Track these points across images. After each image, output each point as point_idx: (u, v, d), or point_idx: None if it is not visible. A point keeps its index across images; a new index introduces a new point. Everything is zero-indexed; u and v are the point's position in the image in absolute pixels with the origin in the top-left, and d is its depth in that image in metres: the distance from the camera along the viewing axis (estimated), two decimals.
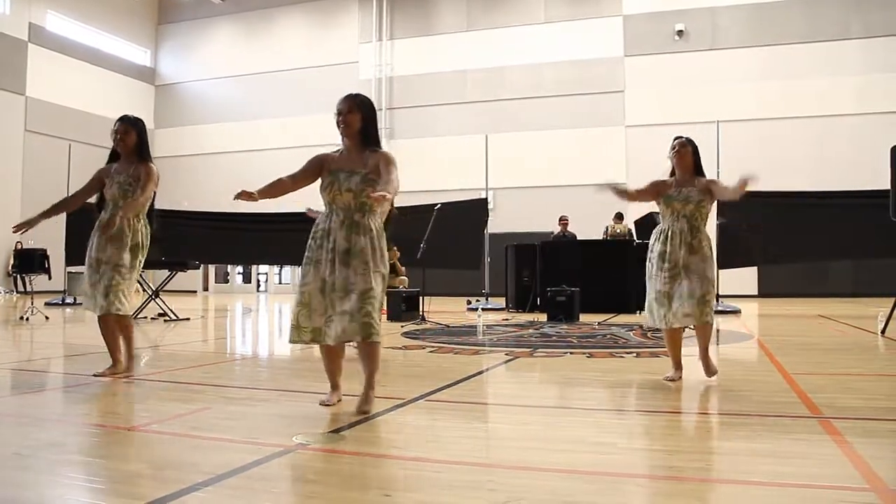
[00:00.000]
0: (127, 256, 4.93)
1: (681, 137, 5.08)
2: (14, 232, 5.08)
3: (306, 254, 3.91)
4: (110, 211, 4.95)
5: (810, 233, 12.63)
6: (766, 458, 2.88)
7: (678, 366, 4.98)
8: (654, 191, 4.99)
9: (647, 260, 5.01)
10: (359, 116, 3.95)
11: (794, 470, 2.69)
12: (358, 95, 4.05)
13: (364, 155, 3.91)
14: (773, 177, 18.30)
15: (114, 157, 5.13)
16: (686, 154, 4.95)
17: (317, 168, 3.99)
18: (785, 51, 21.04)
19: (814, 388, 4.50)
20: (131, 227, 4.95)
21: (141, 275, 11.58)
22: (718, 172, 13.52)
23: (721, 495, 2.46)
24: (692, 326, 4.98)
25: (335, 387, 4.01)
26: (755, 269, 19.13)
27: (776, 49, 21.13)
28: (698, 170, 4.99)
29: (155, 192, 5.15)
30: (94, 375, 4.93)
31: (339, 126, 3.97)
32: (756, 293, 19.99)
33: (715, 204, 10.91)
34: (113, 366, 5.04)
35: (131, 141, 5.03)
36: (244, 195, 3.74)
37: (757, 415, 3.77)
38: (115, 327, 5.04)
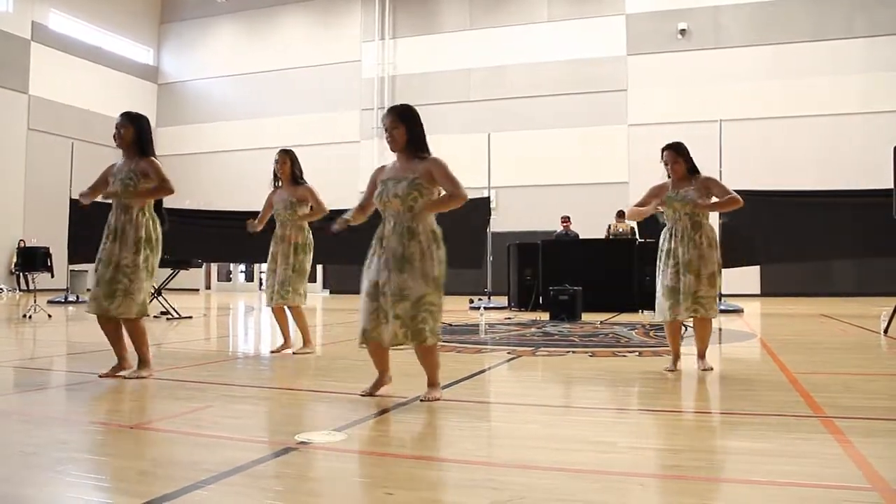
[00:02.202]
0: (132, 254, 4.78)
1: (669, 149, 5.22)
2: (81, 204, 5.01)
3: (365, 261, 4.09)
4: (122, 214, 4.86)
5: (813, 232, 12.60)
6: (769, 457, 2.87)
7: (677, 357, 5.28)
8: (655, 196, 5.23)
9: (658, 259, 5.26)
10: (403, 129, 4.05)
11: (796, 469, 2.68)
12: (398, 107, 4.15)
13: (413, 163, 4.04)
14: (776, 176, 18.34)
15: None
16: (678, 168, 5.16)
17: (375, 184, 4.14)
18: (788, 50, 21.01)
19: (816, 387, 4.49)
20: (134, 222, 4.83)
21: None
22: (721, 172, 13.50)
23: (723, 494, 2.45)
24: (689, 324, 5.25)
25: (380, 378, 4.16)
26: (758, 268, 19.11)
27: (779, 48, 21.10)
28: (692, 169, 5.20)
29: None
30: (100, 376, 4.87)
31: (387, 141, 4.10)
32: (759, 292, 19.97)
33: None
34: (118, 365, 4.95)
35: (129, 136, 4.93)
36: (343, 223, 4.15)
37: (759, 414, 3.76)
38: (116, 326, 4.94)
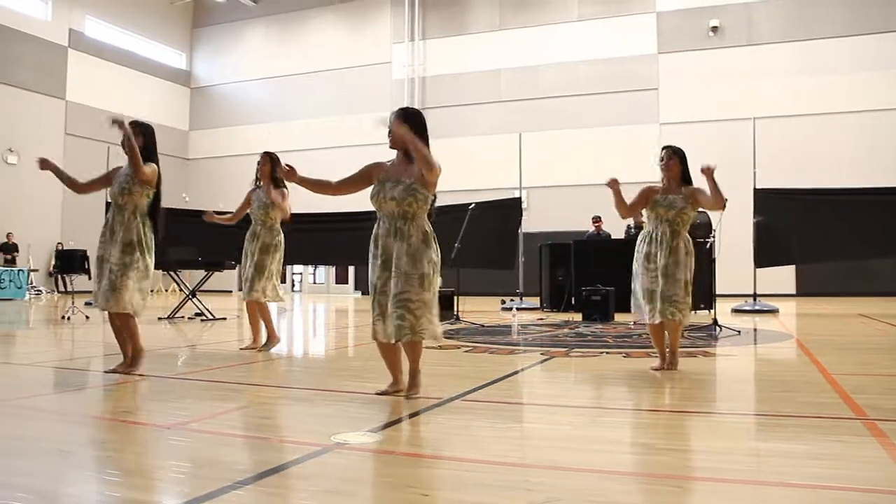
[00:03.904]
0: (119, 253, 4.98)
1: (668, 148, 5.43)
2: (40, 165, 5.19)
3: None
4: (116, 215, 5.11)
5: (849, 230, 12.37)
6: (808, 459, 2.83)
7: (663, 357, 5.38)
8: (644, 198, 5.40)
9: (634, 259, 5.42)
10: (405, 129, 4.09)
11: (837, 472, 2.64)
12: (407, 109, 4.25)
13: (411, 166, 4.09)
14: (812, 174, 18.09)
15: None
16: (674, 166, 5.32)
17: (366, 176, 4.23)
18: (823, 45, 20.66)
19: (856, 388, 4.41)
20: (125, 223, 5.04)
21: (178, 275, 11.77)
22: (755, 171, 13.36)
23: (762, 497, 2.42)
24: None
25: (395, 380, 4.27)
26: (793, 267, 18.84)
27: (814, 44, 20.76)
28: (686, 178, 5.34)
29: (158, 193, 5.21)
30: (106, 372, 5.13)
31: (388, 138, 4.18)
32: (794, 292, 19.69)
33: (752, 202, 10.83)
34: (123, 362, 5.17)
35: (139, 143, 5.11)
36: (288, 171, 4.08)
37: (797, 415, 3.71)
38: (120, 324, 5.16)
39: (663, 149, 5.45)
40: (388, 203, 4.07)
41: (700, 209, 5.55)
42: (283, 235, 6.74)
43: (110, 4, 25.39)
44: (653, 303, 5.25)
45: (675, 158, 5.32)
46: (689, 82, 21.76)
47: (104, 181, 5.33)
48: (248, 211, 6.83)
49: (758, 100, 20.18)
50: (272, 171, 6.67)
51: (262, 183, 6.74)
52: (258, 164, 6.78)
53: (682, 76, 21.87)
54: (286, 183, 6.62)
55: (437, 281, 4.13)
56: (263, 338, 6.81)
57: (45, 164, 5.18)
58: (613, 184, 5.26)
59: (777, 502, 2.36)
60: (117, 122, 4.85)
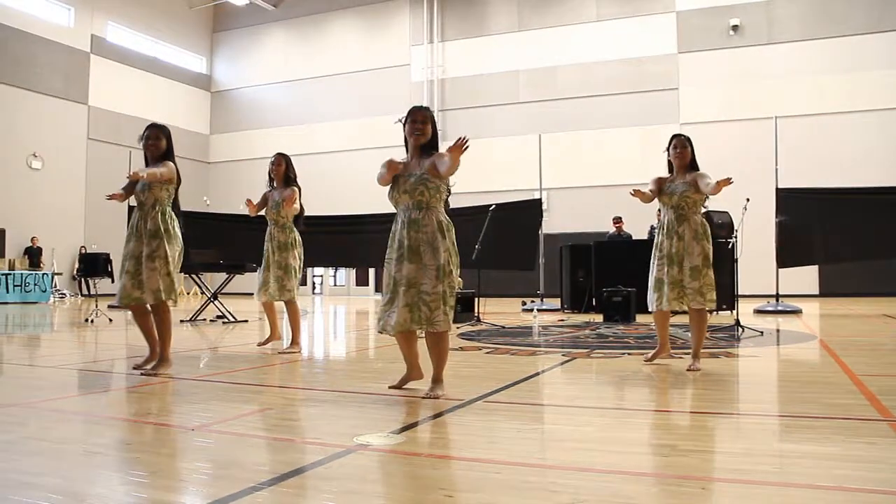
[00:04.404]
0: (147, 246, 5.13)
1: (680, 136, 5.56)
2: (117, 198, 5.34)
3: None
4: (137, 212, 5.28)
5: (874, 230, 12.22)
6: (835, 461, 2.80)
7: (663, 348, 5.60)
8: (659, 186, 5.50)
9: (652, 252, 5.54)
10: (430, 126, 4.28)
11: (865, 474, 2.61)
12: (429, 108, 4.42)
13: (422, 160, 4.23)
14: (835, 173, 17.94)
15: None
16: (686, 154, 5.45)
17: (396, 169, 4.29)
18: (844, 43, 20.47)
19: (883, 389, 4.36)
20: (146, 217, 5.21)
21: (199, 277, 11.84)
22: (777, 170, 13.24)
23: (788, 499, 2.39)
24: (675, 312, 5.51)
25: (410, 366, 4.42)
26: (816, 267, 18.65)
27: (835, 41, 20.58)
28: (693, 164, 5.46)
29: (177, 190, 5.39)
30: (134, 368, 5.31)
31: (412, 133, 4.26)
32: (817, 293, 19.50)
33: (774, 202, 10.76)
34: (150, 356, 5.33)
35: (162, 145, 5.35)
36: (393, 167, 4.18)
37: (823, 417, 3.67)
38: (147, 319, 5.30)
39: (674, 137, 5.55)
40: (402, 196, 4.18)
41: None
42: (297, 233, 6.82)
43: (131, 10, 25.65)
44: (659, 291, 5.32)
45: (687, 147, 5.44)
46: (710, 82, 21.63)
47: (130, 188, 5.41)
48: (263, 211, 6.91)
49: (779, 99, 20.02)
50: (286, 171, 6.78)
51: (276, 183, 6.83)
52: (271, 164, 6.90)
53: (703, 76, 21.75)
54: (298, 182, 6.77)
55: (456, 273, 4.18)
56: (283, 336, 6.88)
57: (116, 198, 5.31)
58: (640, 196, 5.40)
59: None
60: (134, 177, 5.10)
